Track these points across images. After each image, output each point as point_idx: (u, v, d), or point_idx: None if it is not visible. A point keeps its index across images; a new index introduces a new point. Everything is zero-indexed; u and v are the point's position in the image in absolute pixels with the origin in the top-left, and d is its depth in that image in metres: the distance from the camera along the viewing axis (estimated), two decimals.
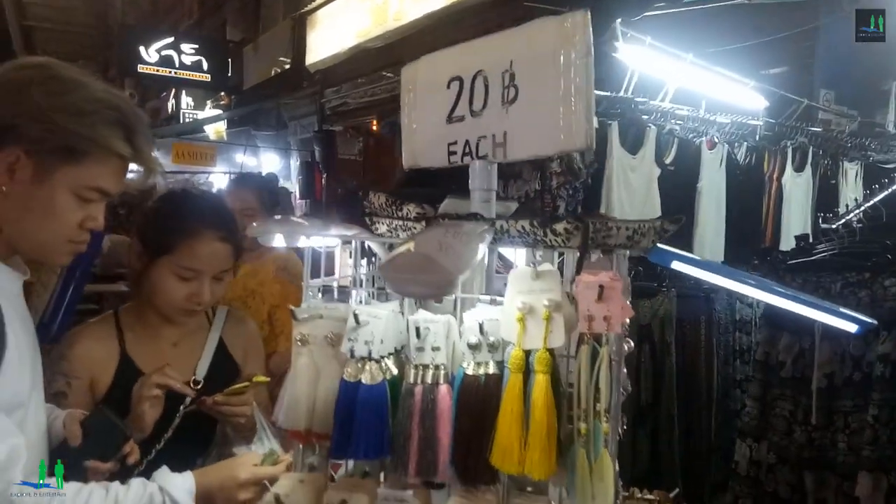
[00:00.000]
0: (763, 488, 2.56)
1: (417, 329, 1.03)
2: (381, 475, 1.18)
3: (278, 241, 1.21)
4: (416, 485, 1.07)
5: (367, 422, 1.03)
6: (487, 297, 1.08)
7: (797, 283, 2.53)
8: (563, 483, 1.02)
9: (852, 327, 1.48)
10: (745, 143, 4.49)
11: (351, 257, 1.34)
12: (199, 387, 1.50)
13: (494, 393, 0.99)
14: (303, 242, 1.22)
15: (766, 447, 2.54)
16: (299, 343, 1.12)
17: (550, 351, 0.96)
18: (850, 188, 4.71)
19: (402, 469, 1.05)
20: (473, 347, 1.01)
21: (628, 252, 1.08)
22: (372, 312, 1.05)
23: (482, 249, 0.96)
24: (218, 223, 1.53)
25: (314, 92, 8.12)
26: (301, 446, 1.20)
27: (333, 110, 8.14)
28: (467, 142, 1.32)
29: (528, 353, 0.97)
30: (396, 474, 1.07)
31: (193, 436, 1.49)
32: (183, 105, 12.52)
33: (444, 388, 1.04)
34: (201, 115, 11.94)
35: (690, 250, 4.09)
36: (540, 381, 0.94)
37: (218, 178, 9.61)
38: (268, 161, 10.24)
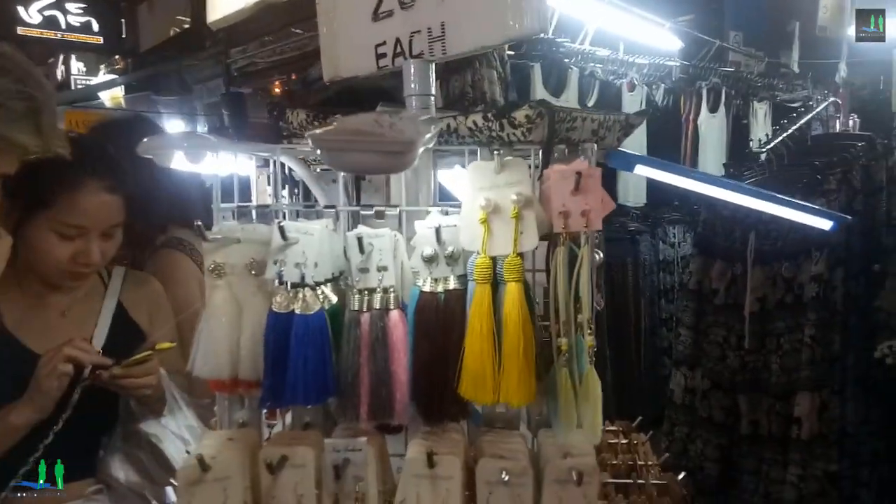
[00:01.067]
0: (698, 414, 2.59)
1: (360, 242, 0.85)
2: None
3: (179, 161, 0.99)
4: (369, 430, 0.91)
5: (304, 360, 0.85)
6: (438, 209, 0.92)
7: (728, 210, 2.53)
8: (538, 413, 0.89)
9: (826, 224, 1.44)
10: (663, 84, 4.52)
11: (269, 184, 1.15)
12: None
13: (458, 311, 0.84)
14: (208, 166, 1.01)
15: (701, 374, 2.57)
16: (213, 274, 0.92)
17: (521, 256, 0.82)
18: (761, 127, 4.86)
19: (352, 413, 0.88)
20: (429, 260, 0.85)
21: (596, 147, 0.96)
22: (301, 228, 0.87)
23: (433, 132, 0.79)
24: (104, 170, 1.31)
25: (218, 52, 7.58)
26: (227, 400, 1.01)
27: (241, 71, 7.64)
28: (398, 40, 1.13)
29: (494, 260, 0.82)
30: (346, 420, 0.91)
31: (95, 413, 1.32)
32: (74, 71, 11.48)
33: (395, 314, 0.88)
34: (95, 80, 10.98)
35: (614, 195, 4.10)
36: (512, 291, 0.80)
37: None
38: (172, 128, 9.58)
